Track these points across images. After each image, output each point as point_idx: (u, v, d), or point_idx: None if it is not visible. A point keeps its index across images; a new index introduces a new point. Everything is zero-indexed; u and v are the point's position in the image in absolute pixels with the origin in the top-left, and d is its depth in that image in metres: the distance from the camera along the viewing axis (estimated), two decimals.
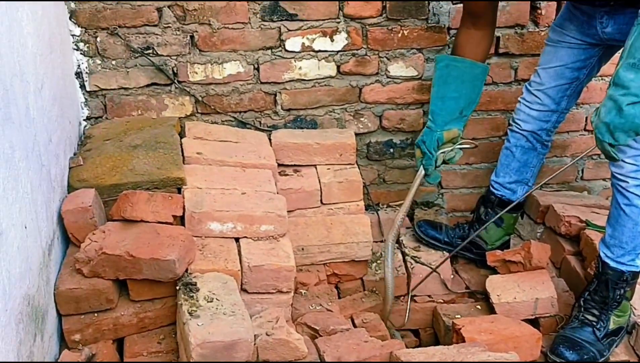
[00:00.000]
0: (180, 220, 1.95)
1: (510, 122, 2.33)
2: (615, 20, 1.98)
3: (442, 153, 2.11)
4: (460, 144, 2.15)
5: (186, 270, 1.82)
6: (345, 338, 1.89)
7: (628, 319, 2.13)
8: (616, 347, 2.11)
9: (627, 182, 1.98)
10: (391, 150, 2.63)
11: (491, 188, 2.37)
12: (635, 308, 2.15)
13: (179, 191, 2.02)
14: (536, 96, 2.23)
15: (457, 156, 2.14)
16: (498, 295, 2.19)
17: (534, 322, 2.18)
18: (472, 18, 2.10)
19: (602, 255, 2.09)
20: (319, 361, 1.80)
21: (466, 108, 2.12)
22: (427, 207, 2.70)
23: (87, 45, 2.30)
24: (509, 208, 2.23)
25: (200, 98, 2.42)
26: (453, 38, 2.36)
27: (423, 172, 2.12)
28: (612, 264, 2.06)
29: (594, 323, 2.09)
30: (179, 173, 2.04)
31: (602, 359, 2.06)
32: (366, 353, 1.81)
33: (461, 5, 2.27)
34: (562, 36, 2.16)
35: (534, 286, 2.20)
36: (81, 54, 2.31)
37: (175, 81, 2.38)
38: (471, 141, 2.22)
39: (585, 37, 2.11)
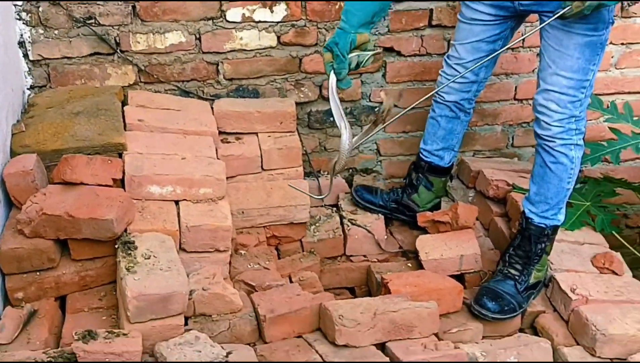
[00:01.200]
0: (121, 184, 2.03)
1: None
2: None
3: (355, 55, 1.99)
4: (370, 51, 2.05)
5: (125, 230, 1.91)
6: (279, 292, 2.00)
7: (545, 273, 2.29)
8: (534, 299, 2.26)
9: (555, 142, 2.10)
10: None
11: (420, 155, 2.46)
12: (552, 263, 2.31)
13: (120, 156, 2.09)
14: (455, 70, 2.27)
15: (370, 61, 2.04)
16: (426, 253, 2.32)
17: (460, 277, 2.32)
18: None
19: (526, 211, 2.23)
20: (253, 313, 1.91)
21: (378, 13, 2.01)
22: (365, 173, 2.81)
23: (30, 15, 2.33)
24: None
25: (143, 67, 2.47)
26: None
27: (334, 78, 1.99)
28: (537, 219, 2.20)
29: (517, 277, 2.22)
30: (119, 138, 2.11)
31: (521, 310, 2.21)
32: (297, 305, 1.93)
33: None
34: (475, 13, 2.18)
35: (459, 244, 2.34)
36: (24, 23, 2.34)
37: (118, 51, 2.43)
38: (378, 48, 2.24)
39: (500, 10, 2.14)
